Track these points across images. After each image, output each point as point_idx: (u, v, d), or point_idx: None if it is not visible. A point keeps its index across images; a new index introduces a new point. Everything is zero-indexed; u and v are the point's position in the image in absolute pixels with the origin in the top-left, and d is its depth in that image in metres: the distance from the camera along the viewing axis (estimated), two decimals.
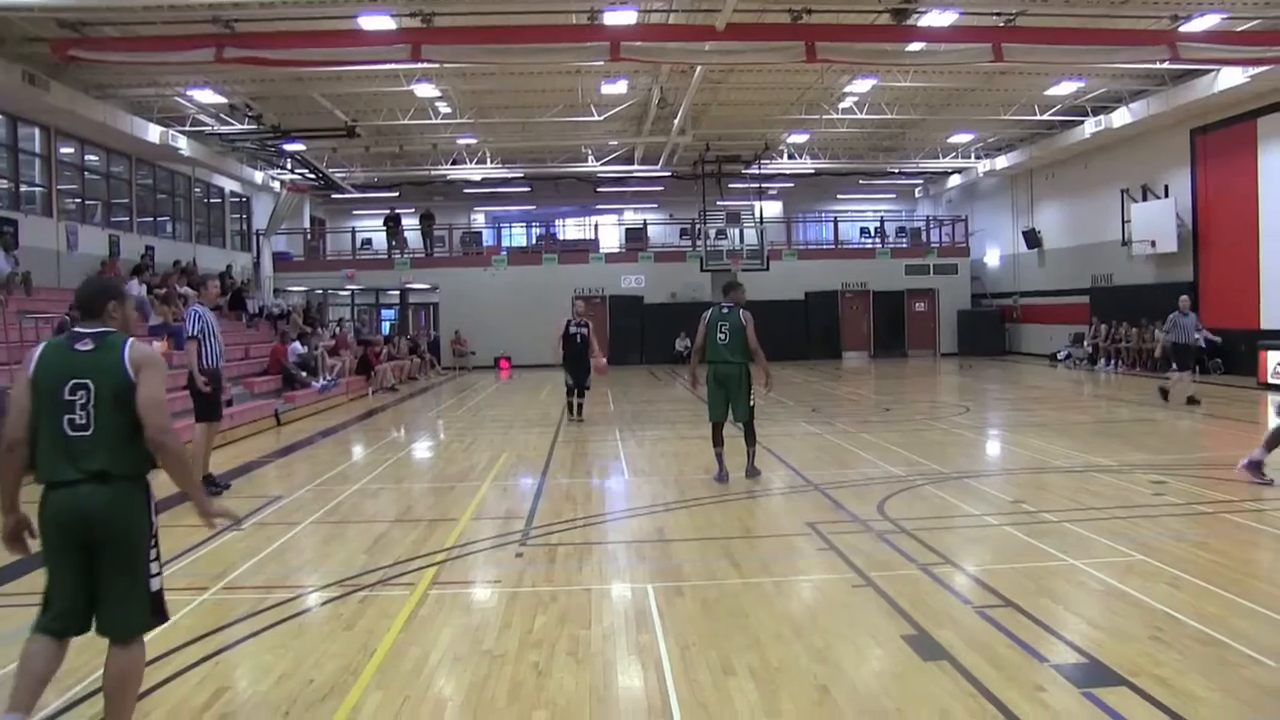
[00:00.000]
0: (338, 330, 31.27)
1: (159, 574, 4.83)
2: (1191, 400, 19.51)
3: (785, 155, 36.85)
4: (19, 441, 4.62)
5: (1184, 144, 28.47)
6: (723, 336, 11.98)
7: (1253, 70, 22.83)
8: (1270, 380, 22.71)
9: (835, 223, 44.81)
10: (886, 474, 12.45)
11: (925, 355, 40.69)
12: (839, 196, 46.19)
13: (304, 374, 23.57)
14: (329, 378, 24.55)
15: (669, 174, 38.53)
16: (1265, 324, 24.95)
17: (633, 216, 44.93)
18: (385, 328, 39.86)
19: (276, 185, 36.00)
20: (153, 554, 4.78)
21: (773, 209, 44.36)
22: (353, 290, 39.73)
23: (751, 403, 12.16)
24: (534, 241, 43.15)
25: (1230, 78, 24.03)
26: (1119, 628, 6.43)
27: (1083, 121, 30.81)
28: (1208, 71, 24.57)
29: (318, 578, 8.12)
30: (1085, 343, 32.79)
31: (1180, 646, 5.99)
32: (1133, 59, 22.26)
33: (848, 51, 21.04)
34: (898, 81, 26.49)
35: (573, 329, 18.96)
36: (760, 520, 10.16)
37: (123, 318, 4.94)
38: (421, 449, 17.15)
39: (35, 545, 4.76)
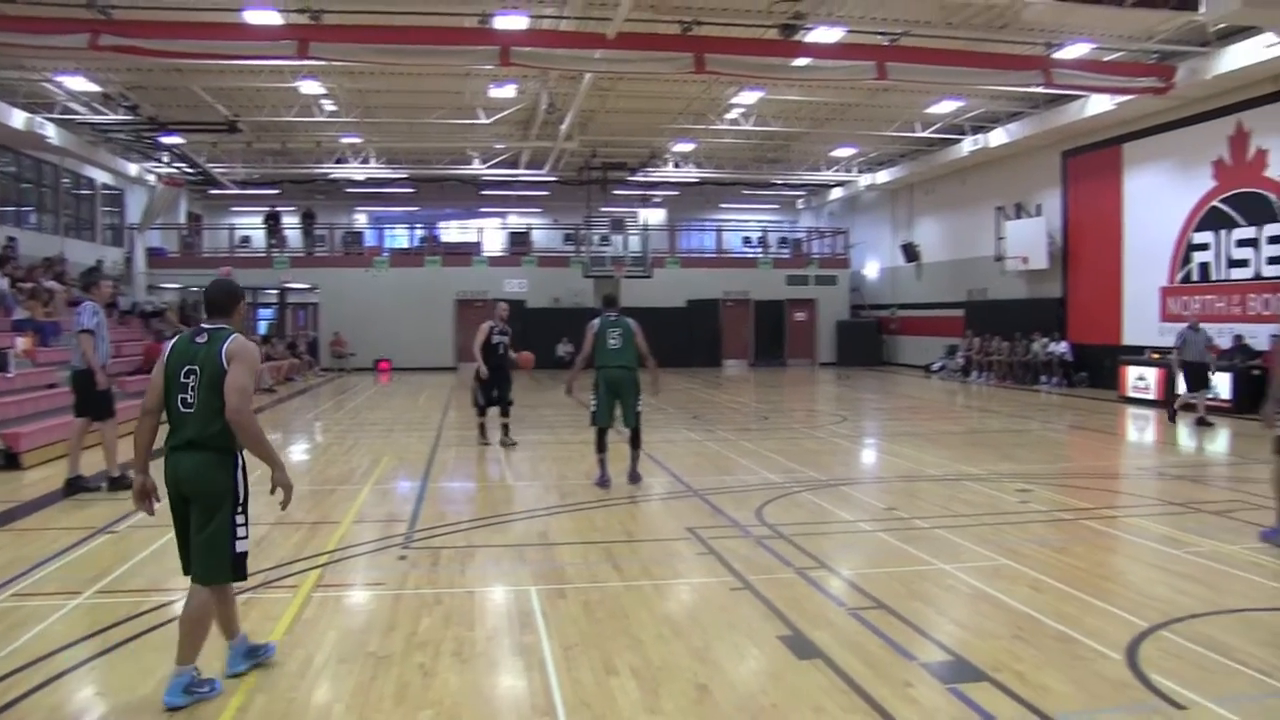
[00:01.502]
0: None
1: (245, 538, 5.68)
2: (1203, 422, 18.78)
3: (671, 163, 37.14)
4: (152, 411, 5.74)
5: (1056, 165, 29.47)
6: (615, 342, 12.14)
7: (1119, 98, 23.72)
8: (1130, 394, 23.59)
9: (718, 232, 45.27)
10: (765, 480, 12.71)
11: (804, 364, 41.32)
12: (722, 206, 46.60)
13: None
14: None
15: (554, 179, 38.45)
16: (1127, 340, 25.98)
17: (517, 220, 44.81)
18: (262, 327, 39.10)
19: (152, 179, 34.97)
20: (239, 519, 5.64)
21: (657, 216, 44.72)
22: None
23: (639, 408, 12.33)
24: (416, 243, 42.70)
25: (1099, 104, 24.95)
26: (983, 627, 6.75)
27: (961, 140, 31.67)
28: (1078, 97, 25.44)
29: None
30: (959, 355, 33.62)
31: (1038, 644, 6.34)
32: (1009, 82, 22.94)
33: (736, 64, 21.24)
34: (784, 95, 26.91)
35: (495, 337, 15.98)
36: (641, 524, 10.30)
37: (241, 315, 5.94)
38: (300, 451, 16.88)
39: (158, 507, 5.89)
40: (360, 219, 44.70)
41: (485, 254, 40.56)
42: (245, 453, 5.73)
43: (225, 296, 5.88)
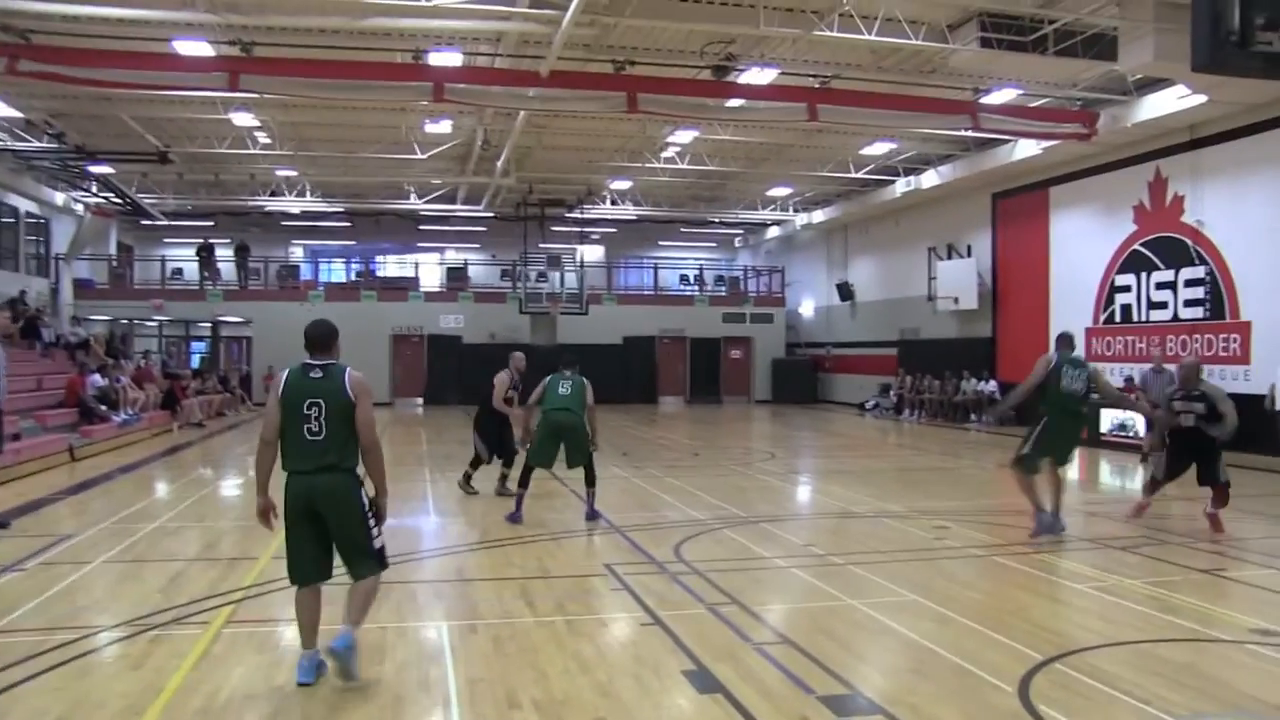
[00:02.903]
0: (143, 362, 30.15)
1: (379, 535, 6.58)
2: None
3: (608, 200, 37.30)
4: (271, 442, 6.45)
5: (986, 207, 29.97)
6: (565, 390, 12.30)
7: (1045, 143, 24.26)
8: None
9: (655, 269, 45.40)
10: (688, 517, 12.81)
11: (740, 401, 41.52)
12: (660, 243, 46.83)
13: (104, 407, 22.65)
14: (131, 412, 23.73)
15: (492, 215, 38.51)
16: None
17: (454, 256, 44.77)
18: (195, 361, 38.64)
19: (80, 208, 34.47)
20: (371, 522, 6.52)
21: (594, 253, 44.79)
22: (161, 321, 38.30)
23: (592, 448, 12.51)
24: (353, 277, 42.53)
25: (1026, 148, 25.52)
26: (884, 661, 6.94)
27: (894, 181, 32.13)
28: (1007, 141, 25.97)
29: (107, 617, 7.96)
30: (892, 393, 33.95)
31: (936, 678, 6.50)
32: (938, 125, 23.38)
33: (669, 104, 21.47)
34: (718, 135, 27.14)
35: (510, 392, 14.82)
36: (559, 561, 10.33)
37: (338, 350, 6.63)
38: (227, 486, 16.79)
39: (277, 525, 6.64)
40: (296, 252, 44.45)
41: (422, 289, 40.43)
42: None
43: (328, 334, 6.63)
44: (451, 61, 19.85)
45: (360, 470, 6.53)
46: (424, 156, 29.14)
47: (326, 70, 19.35)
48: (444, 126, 26.31)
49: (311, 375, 6.43)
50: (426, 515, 13.38)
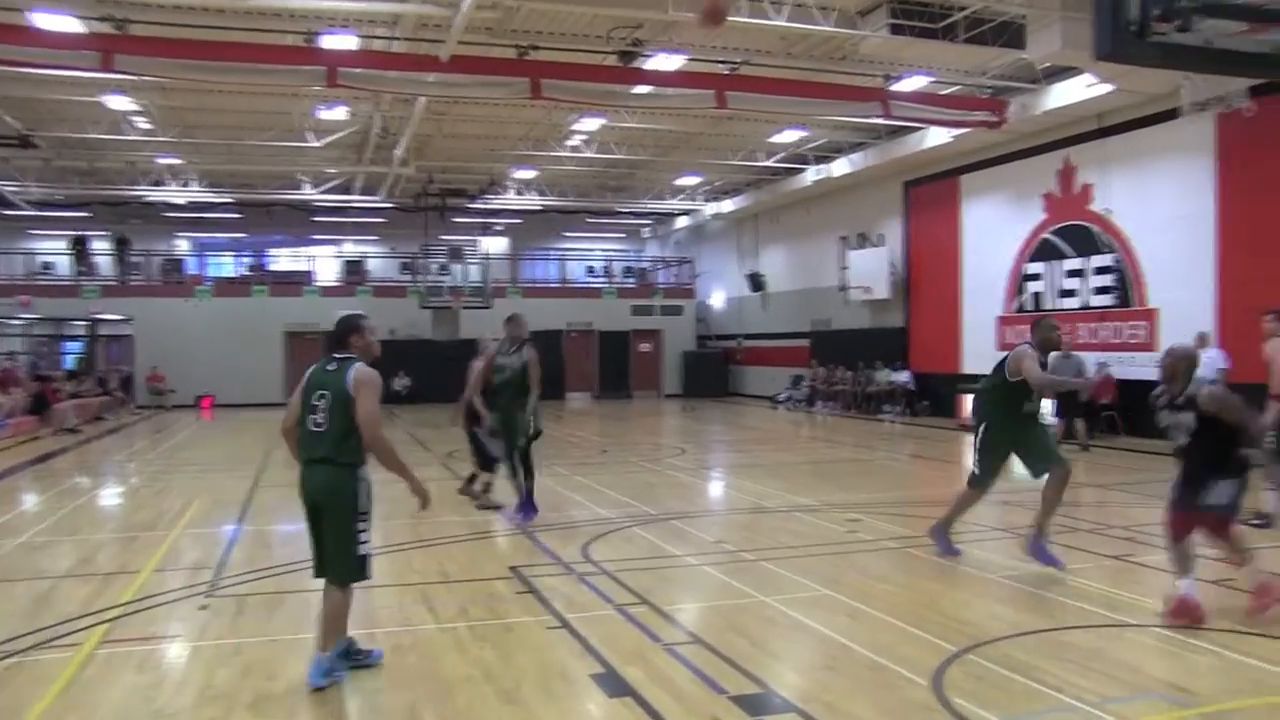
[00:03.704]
0: (7, 364, 28.56)
1: (367, 542, 6.50)
2: (1085, 448, 19.27)
3: (512, 191, 36.65)
4: (289, 431, 6.66)
5: (897, 195, 29.99)
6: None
7: (955, 131, 24.28)
8: (969, 422, 23.89)
9: (562, 261, 44.88)
10: (596, 516, 12.49)
11: (650, 396, 41.25)
12: (566, 234, 46.07)
13: None
14: None
15: (390, 205, 37.59)
16: (966, 368, 26.31)
17: (352, 248, 43.46)
18: (69, 361, 36.97)
19: None
20: (361, 526, 6.45)
21: (499, 245, 44.10)
22: (29, 319, 36.35)
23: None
24: (243, 272, 40.93)
25: (937, 136, 25.52)
26: (797, 658, 6.88)
27: (805, 169, 32.04)
28: (917, 129, 25.97)
29: None
30: (804, 385, 33.88)
31: (850, 673, 6.45)
32: (849, 113, 23.24)
33: (573, 90, 21.03)
34: (625, 122, 26.79)
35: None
36: (462, 565, 9.93)
37: (363, 345, 6.70)
38: (105, 496, 15.91)
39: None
40: (181, 245, 42.48)
41: (317, 283, 39.13)
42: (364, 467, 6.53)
43: (345, 329, 6.73)
44: (346, 45, 19.21)
45: (365, 467, 6.52)
46: (318, 144, 28.17)
47: (210, 52, 18.27)
48: (339, 113, 25.56)
49: (327, 368, 6.55)
50: None
